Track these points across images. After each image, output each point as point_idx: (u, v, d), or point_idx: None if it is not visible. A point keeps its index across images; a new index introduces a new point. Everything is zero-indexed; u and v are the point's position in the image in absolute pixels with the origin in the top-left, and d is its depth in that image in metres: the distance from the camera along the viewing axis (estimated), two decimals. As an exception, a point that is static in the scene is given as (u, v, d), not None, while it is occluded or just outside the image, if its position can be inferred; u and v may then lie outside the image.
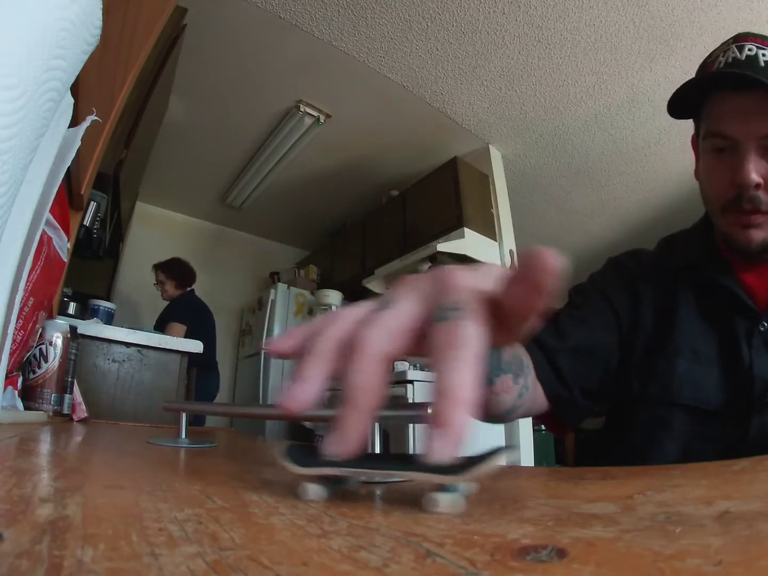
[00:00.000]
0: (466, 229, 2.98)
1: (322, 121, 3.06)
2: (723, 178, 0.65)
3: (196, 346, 1.98)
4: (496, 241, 3.17)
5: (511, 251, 3.14)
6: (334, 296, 3.85)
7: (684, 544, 0.16)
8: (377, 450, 0.39)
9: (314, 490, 0.27)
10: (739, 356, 0.64)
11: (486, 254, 3.06)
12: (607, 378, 0.75)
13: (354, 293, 4.04)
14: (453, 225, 3.05)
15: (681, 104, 0.71)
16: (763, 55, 0.61)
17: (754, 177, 0.61)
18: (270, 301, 3.91)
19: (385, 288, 3.67)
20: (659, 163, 3.38)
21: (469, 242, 2.97)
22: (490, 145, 3.34)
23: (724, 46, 0.66)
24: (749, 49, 0.62)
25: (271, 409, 0.69)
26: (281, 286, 4.00)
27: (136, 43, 1.16)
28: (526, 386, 0.61)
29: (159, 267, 3.10)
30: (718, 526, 0.18)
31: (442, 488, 0.24)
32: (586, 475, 0.32)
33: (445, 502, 0.24)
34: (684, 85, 0.67)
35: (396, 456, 0.28)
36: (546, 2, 2.25)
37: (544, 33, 2.42)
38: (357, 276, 3.80)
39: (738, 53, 0.63)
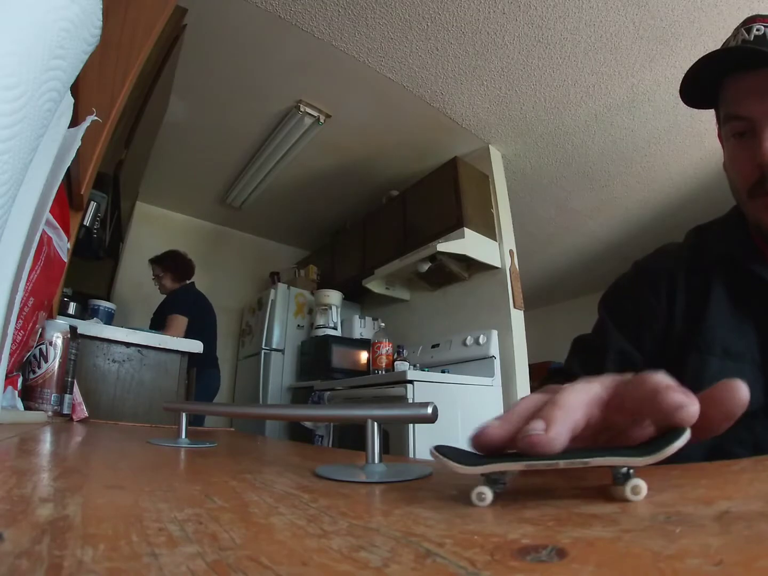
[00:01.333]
0: (466, 229, 2.98)
1: (322, 121, 3.06)
2: (746, 162, 0.63)
3: (196, 346, 1.98)
4: (496, 241, 3.16)
5: (511, 251, 3.14)
6: (334, 296, 3.85)
7: (684, 544, 0.16)
8: (377, 450, 0.39)
9: (487, 493, 0.26)
10: None
11: (486, 254, 3.06)
12: None
13: (354, 293, 4.04)
14: (453, 225, 3.05)
15: (693, 89, 0.69)
16: None
17: None
18: (270, 301, 3.91)
19: (385, 288, 3.67)
20: (659, 163, 3.37)
21: (469, 242, 2.97)
22: (490, 145, 3.34)
23: (735, 32, 0.65)
24: (757, 30, 0.61)
25: (271, 409, 0.69)
26: (281, 286, 4.00)
27: (136, 43, 1.16)
28: None
29: (154, 261, 3.04)
30: (718, 526, 0.18)
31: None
32: (586, 475, 0.32)
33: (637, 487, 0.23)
34: (693, 67, 0.65)
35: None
36: (546, 2, 2.25)
37: (545, 33, 2.42)
38: (357, 276, 3.80)
39: (746, 35, 0.61)
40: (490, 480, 0.26)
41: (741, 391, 0.26)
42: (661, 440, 0.24)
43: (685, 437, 0.24)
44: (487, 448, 0.28)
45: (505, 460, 0.26)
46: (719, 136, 0.73)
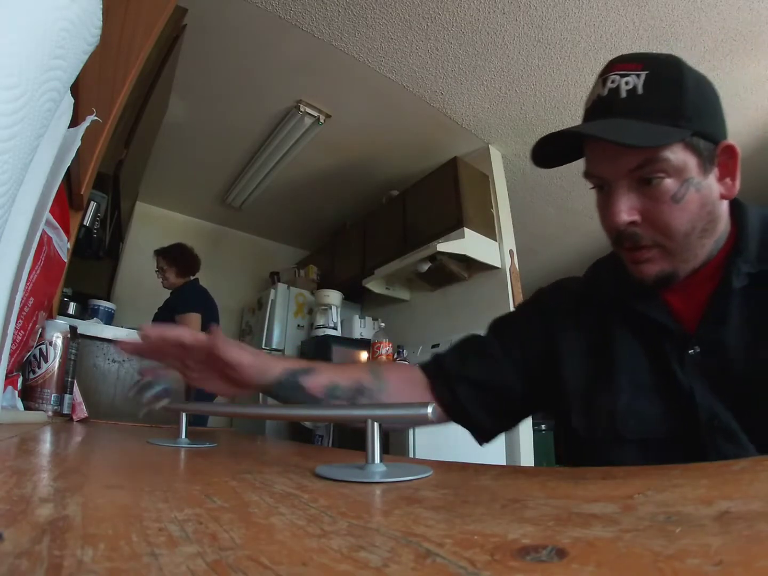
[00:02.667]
0: (466, 229, 2.98)
1: (322, 121, 3.06)
2: (606, 217, 0.65)
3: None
4: (496, 240, 3.16)
5: (510, 251, 3.14)
6: (334, 296, 3.85)
7: (684, 544, 0.16)
8: (377, 450, 0.39)
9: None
10: (677, 383, 0.62)
11: (486, 254, 3.06)
12: (512, 410, 0.80)
13: (354, 293, 4.04)
14: (453, 225, 3.05)
15: (554, 157, 0.70)
16: (626, 83, 0.60)
17: (624, 217, 0.61)
18: (270, 301, 3.91)
19: (385, 288, 3.67)
20: (659, 163, 3.37)
21: (469, 242, 2.97)
22: (490, 145, 3.34)
23: (597, 79, 0.65)
24: (612, 81, 0.61)
25: (271, 410, 0.69)
26: (281, 286, 3.99)
27: (136, 43, 1.16)
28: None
29: (160, 253, 2.97)
30: (718, 526, 0.18)
31: None
32: (586, 475, 0.32)
33: None
34: (541, 141, 0.66)
35: None
36: (546, 3, 2.25)
37: (545, 33, 2.42)
38: (357, 276, 3.80)
39: (602, 88, 0.62)
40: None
41: None
42: None
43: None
44: None
45: None
46: None
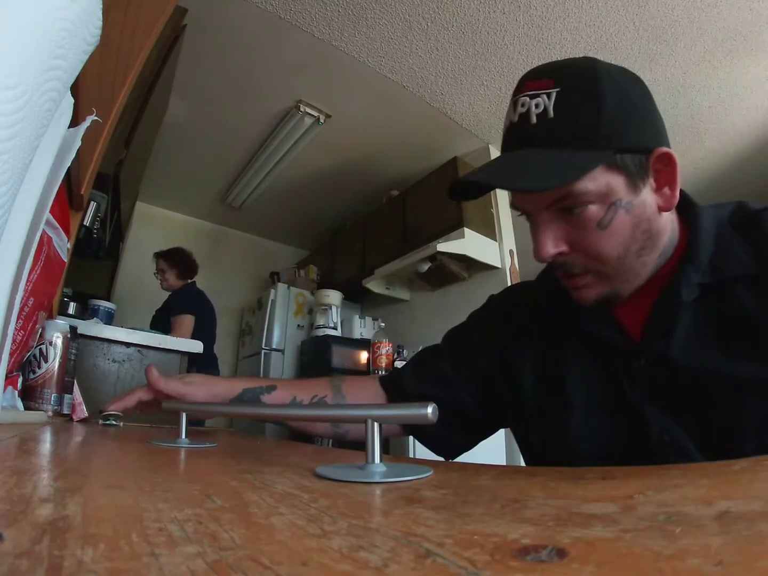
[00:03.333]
0: (466, 229, 2.98)
1: (322, 121, 3.06)
2: (534, 254, 0.62)
3: (196, 346, 1.98)
4: (495, 241, 3.16)
5: (511, 251, 3.14)
6: (334, 296, 3.85)
7: (684, 544, 0.16)
8: (377, 450, 0.39)
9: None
10: (625, 397, 0.59)
11: (486, 254, 3.06)
12: (472, 427, 0.80)
13: (354, 293, 4.04)
14: (453, 225, 3.05)
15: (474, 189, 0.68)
16: (536, 106, 0.55)
17: (549, 250, 0.58)
18: (270, 301, 3.91)
19: (385, 288, 3.67)
20: (659, 163, 3.37)
21: (469, 242, 2.97)
22: (490, 145, 3.34)
23: (510, 100, 0.61)
24: (522, 105, 0.57)
25: (268, 410, 0.69)
26: (281, 286, 3.99)
27: (136, 43, 1.16)
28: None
29: (160, 255, 3.01)
30: (718, 526, 0.18)
31: None
32: (585, 475, 0.32)
33: None
34: (459, 181, 0.66)
35: None
36: (546, 3, 2.25)
37: (544, 33, 2.42)
38: (357, 276, 3.80)
39: (513, 114, 0.58)
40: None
41: None
42: None
43: None
44: None
45: None
46: None
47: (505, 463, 2.45)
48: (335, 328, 3.78)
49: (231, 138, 3.36)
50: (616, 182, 0.55)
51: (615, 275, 0.59)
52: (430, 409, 0.37)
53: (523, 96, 0.57)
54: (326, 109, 3.03)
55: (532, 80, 0.58)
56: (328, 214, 4.44)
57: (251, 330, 4.17)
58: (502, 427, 0.82)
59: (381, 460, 0.39)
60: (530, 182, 0.54)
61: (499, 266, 3.08)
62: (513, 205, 0.64)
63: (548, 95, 0.55)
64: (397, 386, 0.83)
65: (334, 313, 3.82)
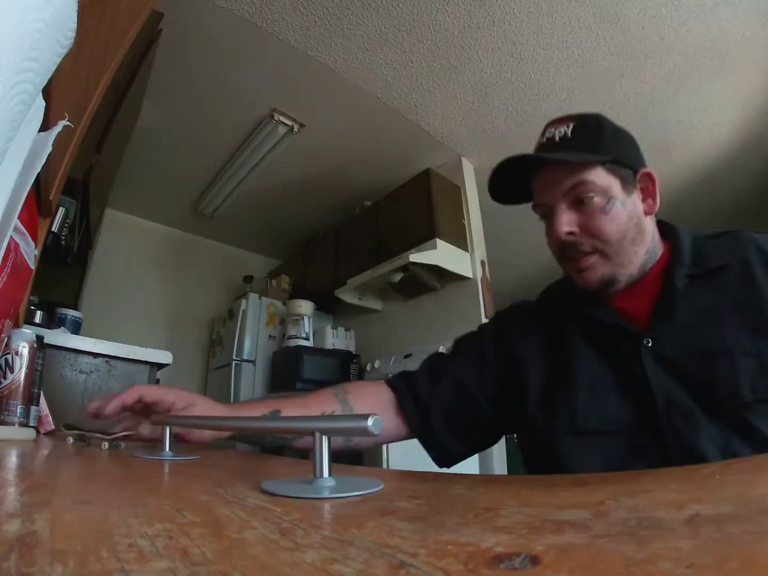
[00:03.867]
0: (438, 240, 3.00)
1: (296, 130, 3.06)
2: (551, 237, 0.78)
3: (165, 357, 1.94)
4: (467, 251, 3.19)
5: (482, 262, 3.18)
6: (306, 306, 3.83)
7: (655, 548, 0.16)
8: (326, 463, 0.38)
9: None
10: (634, 376, 0.70)
11: (458, 265, 3.09)
12: (481, 434, 0.87)
13: (326, 303, 4.03)
14: (425, 236, 3.07)
15: (507, 188, 0.84)
16: (559, 132, 0.76)
17: (565, 228, 0.74)
18: (241, 311, 3.86)
19: (358, 298, 3.67)
20: (626, 178, 3.46)
21: (441, 253, 2.99)
22: (462, 157, 3.38)
23: (539, 137, 0.80)
24: (548, 132, 0.78)
25: (253, 423, 0.68)
26: (252, 296, 3.95)
27: (110, 47, 1.14)
28: None
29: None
30: (688, 529, 0.18)
31: None
32: (558, 482, 0.32)
33: None
34: (499, 169, 0.80)
35: None
36: (520, 18, 2.30)
37: (518, 48, 2.47)
38: (329, 286, 3.78)
39: (541, 138, 0.79)
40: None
41: None
42: None
43: None
44: None
45: None
46: None
47: (478, 472, 2.46)
48: (307, 339, 3.75)
49: (204, 145, 3.33)
50: (614, 183, 0.74)
51: (615, 256, 0.74)
52: (370, 422, 0.35)
53: (550, 128, 0.78)
54: (300, 119, 3.03)
55: (557, 121, 0.78)
56: (301, 223, 4.42)
57: (222, 341, 4.11)
58: (506, 433, 0.89)
59: (330, 474, 0.37)
60: (561, 158, 0.74)
61: (471, 276, 3.11)
62: (535, 206, 0.81)
63: (567, 126, 0.76)
64: (410, 387, 0.87)
65: (306, 324, 3.79)
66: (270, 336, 3.94)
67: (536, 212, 0.82)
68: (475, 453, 0.90)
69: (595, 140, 0.75)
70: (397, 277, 3.19)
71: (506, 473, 2.64)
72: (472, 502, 0.30)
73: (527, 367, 0.81)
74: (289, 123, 3.01)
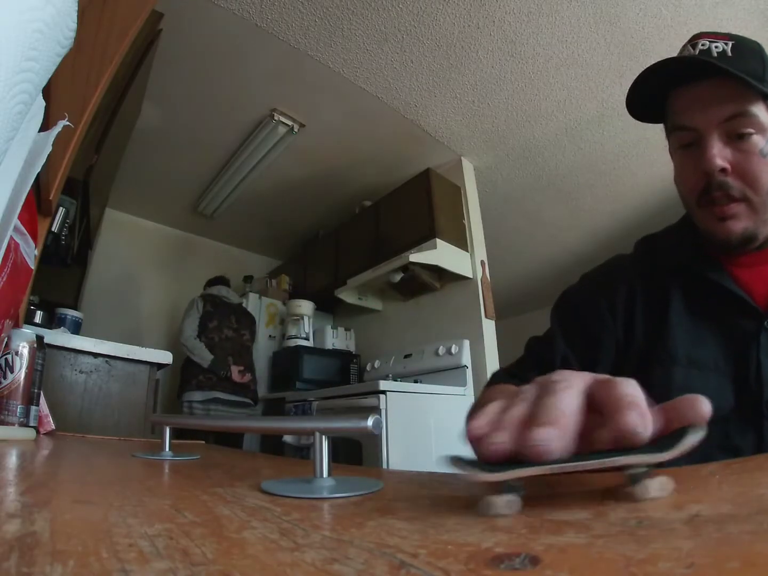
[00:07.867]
0: (438, 240, 3.00)
1: (295, 130, 3.06)
2: (692, 172, 0.66)
3: (165, 357, 1.95)
4: (467, 251, 3.20)
5: (482, 261, 3.18)
6: (306, 306, 3.83)
7: (655, 548, 0.16)
8: (326, 463, 0.38)
9: (515, 499, 0.25)
10: (746, 359, 0.62)
11: (458, 265, 3.09)
12: None
13: (326, 303, 4.03)
14: (425, 236, 3.07)
15: (641, 100, 0.72)
16: (716, 47, 0.62)
17: (718, 162, 0.62)
18: (241, 310, 3.85)
19: (358, 298, 3.67)
20: (627, 176, 3.47)
21: (441, 253, 2.99)
22: (462, 157, 3.38)
23: (681, 49, 0.68)
24: (702, 44, 0.64)
25: (253, 423, 0.68)
26: (252, 296, 3.95)
27: (110, 47, 1.14)
28: None
29: None
30: (688, 529, 0.18)
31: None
32: (558, 482, 0.32)
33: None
34: (640, 76, 0.69)
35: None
36: (520, 18, 2.30)
37: (517, 48, 2.47)
38: (329, 286, 3.79)
39: (692, 50, 0.65)
40: (511, 487, 0.25)
41: (702, 406, 0.26)
42: (675, 436, 0.24)
43: (700, 434, 0.24)
44: (494, 459, 0.27)
45: (525, 466, 0.25)
46: (670, 151, 0.75)
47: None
48: (307, 339, 3.75)
49: (204, 145, 3.33)
50: None
51: (762, 209, 0.63)
52: (370, 422, 0.35)
53: (703, 39, 0.64)
54: (300, 119, 3.03)
55: (707, 35, 0.65)
56: (301, 223, 4.42)
57: (222, 340, 4.10)
58: None
59: (329, 474, 0.37)
60: (739, 75, 0.59)
61: (471, 276, 3.11)
62: (677, 127, 0.68)
63: (725, 43, 0.63)
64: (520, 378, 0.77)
65: (306, 324, 3.79)
66: (270, 336, 3.94)
67: (673, 137, 0.70)
68: None
69: (760, 68, 0.61)
70: (397, 277, 3.19)
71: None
72: (470, 502, 0.30)
73: (628, 342, 0.72)
74: (289, 123, 3.01)
